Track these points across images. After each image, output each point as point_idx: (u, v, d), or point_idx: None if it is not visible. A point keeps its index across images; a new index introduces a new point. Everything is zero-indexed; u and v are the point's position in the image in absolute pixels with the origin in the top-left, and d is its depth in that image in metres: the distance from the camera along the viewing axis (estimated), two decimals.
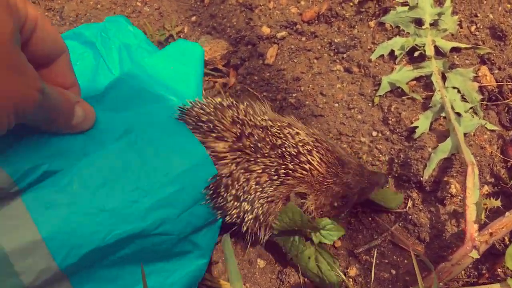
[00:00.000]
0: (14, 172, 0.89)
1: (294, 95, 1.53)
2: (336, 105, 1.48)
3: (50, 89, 0.83)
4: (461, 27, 1.45)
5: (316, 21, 1.61)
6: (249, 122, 1.13)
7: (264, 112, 1.20)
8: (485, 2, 1.48)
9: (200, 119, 1.12)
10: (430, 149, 1.24)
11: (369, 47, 1.51)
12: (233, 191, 1.09)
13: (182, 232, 1.09)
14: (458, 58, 1.38)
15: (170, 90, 1.20)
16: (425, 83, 1.40)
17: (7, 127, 0.76)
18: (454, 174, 1.21)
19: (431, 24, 1.42)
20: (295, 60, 1.57)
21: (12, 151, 0.91)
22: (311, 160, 1.11)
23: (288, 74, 1.55)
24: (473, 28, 1.44)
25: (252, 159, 1.09)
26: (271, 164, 1.10)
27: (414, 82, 1.41)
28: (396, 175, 1.30)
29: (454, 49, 1.41)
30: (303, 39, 1.60)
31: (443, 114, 1.31)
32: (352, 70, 1.50)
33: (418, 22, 1.44)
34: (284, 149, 1.10)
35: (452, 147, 1.18)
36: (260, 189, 1.10)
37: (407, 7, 1.46)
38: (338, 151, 1.18)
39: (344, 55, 1.53)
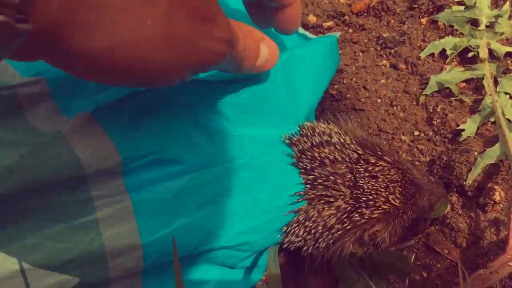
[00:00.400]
0: (124, 151, 0.89)
1: (335, 86, 1.49)
2: (379, 100, 1.43)
3: (237, 31, 0.75)
4: None
5: (365, 14, 1.57)
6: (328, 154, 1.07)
7: (350, 132, 1.15)
8: None
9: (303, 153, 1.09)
10: (476, 153, 1.19)
11: (418, 45, 1.46)
12: (301, 232, 1.07)
13: (255, 251, 1.11)
14: None
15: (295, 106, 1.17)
16: (476, 86, 1.34)
17: (187, 78, 0.70)
18: (500, 181, 1.16)
19: (487, 26, 1.36)
20: (340, 51, 1.53)
21: (129, 131, 0.90)
22: (391, 200, 1.05)
23: None
24: None
25: (326, 205, 1.04)
26: (344, 207, 1.04)
27: (464, 84, 1.36)
28: (436, 177, 1.25)
29: (509, 54, 1.35)
30: (350, 30, 1.56)
31: (491, 119, 1.26)
32: (399, 67, 1.46)
33: (474, 23, 1.38)
34: (362, 191, 1.03)
35: (501, 153, 1.13)
36: (326, 232, 1.06)
37: (463, 6, 1.40)
38: (411, 170, 1.11)
39: (392, 51, 1.48)
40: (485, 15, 1.36)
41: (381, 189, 1.04)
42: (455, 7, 1.41)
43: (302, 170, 1.07)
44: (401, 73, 1.45)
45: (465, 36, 1.37)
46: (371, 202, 1.04)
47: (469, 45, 1.34)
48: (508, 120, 1.21)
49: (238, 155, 1.01)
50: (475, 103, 1.32)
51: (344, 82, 1.48)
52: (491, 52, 1.35)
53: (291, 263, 1.26)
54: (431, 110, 1.36)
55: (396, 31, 1.52)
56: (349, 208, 1.04)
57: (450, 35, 1.42)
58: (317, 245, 1.08)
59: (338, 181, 1.04)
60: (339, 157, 1.06)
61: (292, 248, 1.12)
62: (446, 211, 1.20)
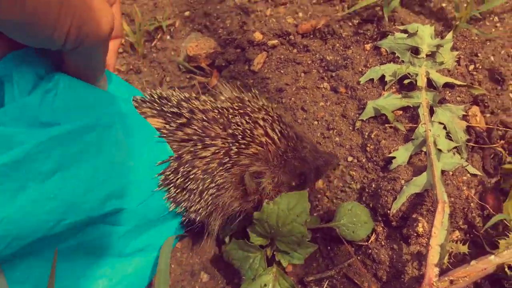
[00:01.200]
0: None
1: (274, 105, 1.43)
2: (316, 122, 1.38)
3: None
4: (459, 64, 1.37)
5: (311, 35, 1.53)
6: (199, 107, 1.07)
7: (225, 94, 1.15)
8: (488, 43, 1.41)
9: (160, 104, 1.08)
10: (403, 182, 1.14)
11: (360, 70, 1.43)
12: (178, 180, 1.01)
13: (136, 224, 1.01)
14: (450, 94, 1.30)
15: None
16: (412, 114, 1.31)
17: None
18: (424, 213, 1.10)
19: (427, 55, 1.34)
20: (282, 71, 1.49)
21: None
22: (270, 133, 1.04)
23: (272, 84, 1.47)
24: (471, 67, 1.36)
25: (200, 145, 1.02)
26: (222, 145, 1.02)
27: (400, 112, 1.32)
28: (364, 205, 1.19)
29: (448, 85, 1.32)
30: (295, 51, 1.52)
31: (424, 149, 1.21)
32: (339, 90, 1.42)
33: (415, 51, 1.36)
34: (236, 126, 1.03)
35: (427, 183, 1.08)
36: (209, 179, 1.02)
37: (406, 34, 1.38)
38: (295, 127, 1.14)
39: (333, 74, 1.44)
40: (426, 43, 1.33)
41: (259, 121, 1.04)
42: (398, 35, 1.38)
43: (168, 124, 1.05)
44: (341, 97, 1.41)
45: (405, 64, 1.34)
46: (248, 132, 1.02)
47: (408, 73, 1.31)
48: (440, 150, 1.17)
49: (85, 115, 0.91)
50: (410, 132, 1.28)
51: (283, 101, 1.43)
52: (430, 81, 1.32)
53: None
54: (366, 136, 1.31)
55: (340, 55, 1.48)
56: (226, 146, 1.02)
57: (391, 62, 1.39)
58: (203, 200, 1.03)
59: (211, 123, 1.03)
60: (209, 107, 1.07)
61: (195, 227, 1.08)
62: (366, 236, 1.14)
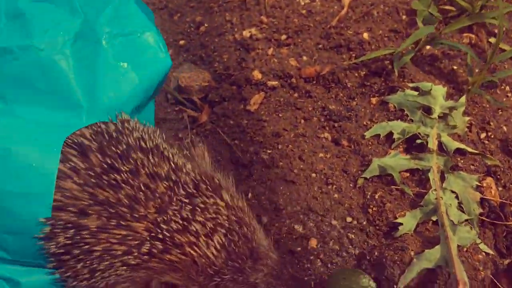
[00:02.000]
0: None
1: (269, 151, 1.30)
2: (313, 175, 1.25)
3: None
4: (470, 131, 1.28)
5: (314, 81, 1.43)
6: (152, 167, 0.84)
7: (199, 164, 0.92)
8: (500, 112, 1.33)
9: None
10: (412, 253, 1.01)
11: (365, 123, 1.32)
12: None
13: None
14: (462, 162, 1.20)
15: None
16: (420, 178, 1.20)
17: None
18: None
19: (439, 117, 1.25)
20: (280, 115, 1.37)
21: None
22: (202, 245, 0.79)
23: (268, 127, 1.34)
24: (483, 135, 1.28)
25: (114, 220, 0.79)
26: (141, 232, 0.79)
27: (407, 174, 1.21)
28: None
29: (459, 151, 1.23)
30: (295, 95, 1.41)
31: (433, 218, 1.09)
32: (341, 143, 1.30)
33: (426, 111, 1.27)
34: (168, 218, 0.79)
35: (441, 258, 0.96)
36: (107, 262, 0.79)
37: (417, 92, 1.29)
38: (259, 239, 0.88)
39: (336, 124, 1.33)
40: (439, 104, 1.25)
41: (195, 225, 0.78)
42: (409, 91, 1.30)
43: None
44: (342, 150, 1.29)
45: (414, 122, 1.24)
46: (174, 234, 0.78)
47: (418, 133, 1.21)
48: (452, 222, 1.05)
49: None
50: (417, 197, 1.16)
51: (279, 147, 1.30)
52: (440, 145, 1.22)
53: None
54: (368, 196, 1.19)
55: (343, 105, 1.38)
56: (143, 237, 0.78)
57: (399, 119, 1.29)
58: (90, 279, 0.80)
59: (148, 194, 0.80)
60: (162, 173, 0.83)
61: None
62: None
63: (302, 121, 1.36)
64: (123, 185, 0.81)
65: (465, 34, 1.50)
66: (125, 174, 0.82)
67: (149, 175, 0.83)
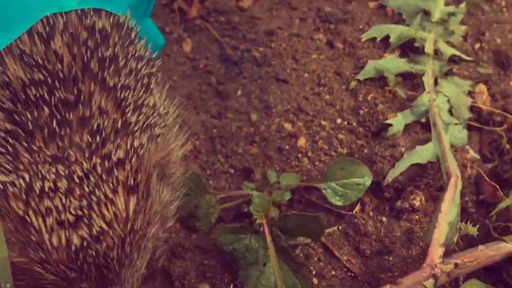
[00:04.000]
0: None
1: (261, 49, 1.26)
2: (306, 75, 1.23)
3: None
4: (465, 41, 1.27)
5: None
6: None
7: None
8: (495, 25, 1.32)
9: None
10: (403, 149, 1.02)
11: (361, 27, 1.29)
12: None
13: None
14: (457, 67, 1.19)
15: None
16: (412, 83, 1.19)
17: None
18: (423, 186, 0.99)
19: (437, 22, 1.22)
20: (275, 13, 1.32)
21: None
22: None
23: (262, 25, 1.29)
24: (477, 45, 1.27)
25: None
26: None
27: (401, 79, 1.20)
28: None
29: (453, 59, 1.22)
30: None
31: (423, 120, 1.10)
32: (335, 45, 1.27)
33: (425, 15, 1.24)
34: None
35: (432, 154, 0.97)
36: None
37: None
38: None
39: (331, 26, 1.29)
40: (439, 9, 1.22)
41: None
42: None
43: None
44: (337, 52, 1.26)
45: (412, 26, 1.21)
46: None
47: (416, 36, 1.19)
48: (444, 121, 1.05)
49: None
50: (409, 100, 1.16)
51: (272, 46, 1.26)
52: (435, 51, 1.20)
53: None
54: (360, 99, 1.18)
55: (339, 9, 1.33)
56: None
57: (397, 24, 1.26)
58: None
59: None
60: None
61: None
62: (357, 199, 1.00)
63: (297, 21, 1.31)
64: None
65: None
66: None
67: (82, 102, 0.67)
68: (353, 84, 1.20)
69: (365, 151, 1.08)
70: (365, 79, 1.19)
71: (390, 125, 1.10)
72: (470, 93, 1.14)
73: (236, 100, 1.22)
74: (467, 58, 1.20)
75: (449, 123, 1.03)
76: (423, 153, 0.98)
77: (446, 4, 1.28)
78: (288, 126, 1.18)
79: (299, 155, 1.15)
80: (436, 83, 1.15)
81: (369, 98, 1.16)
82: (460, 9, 1.23)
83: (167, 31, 1.33)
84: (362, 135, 1.14)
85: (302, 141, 1.16)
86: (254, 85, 1.23)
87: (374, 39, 1.25)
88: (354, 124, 1.16)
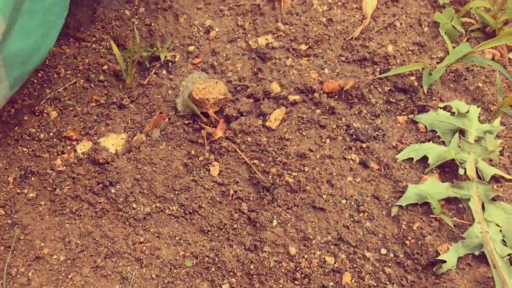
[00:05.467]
0: None
1: (294, 174, 1.21)
2: (344, 202, 1.17)
3: None
4: (502, 155, 1.23)
5: (337, 96, 1.34)
6: None
7: None
8: None
9: None
10: None
11: (394, 144, 1.25)
12: None
13: None
14: (502, 191, 1.15)
15: None
16: (457, 207, 1.14)
17: None
18: None
19: (474, 141, 1.19)
20: (304, 133, 1.27)
21: None
22: None
23: (291, 147, 1.25)
24: None
25: None
26: None
27: (443, 202, 1.15)
28: None
29: (493, 178, 1.18)
30: (318, 111, 1.31)
31: (476, 252, 1.04)
32: (370, 165, 1.22)
33: (460, 133, 1.21)
34: None
35: None
36: None
37: (450, 112, 1.23)
38: None
39: (363, 145, 1.25)
40: (474, 127, 1.19)
41: None
42: (442, 112, 1.23)
43: None
44: (372, 173, 1.21)
45: (450, 146, 1.18)
46: None
47: (456, 158, 1.15)
48: (504, 261, 0.99)
49: None
50: (456, 227, 1.10)
51: (305, 170, 1.21)
52: (476, 171, 1.16)
53: None
54: (404, 227, 1.12)
55: (368, 123, 1.30)
56: None
57: (430, 141, 1.23)
58: None
59: None
60: None
61: None
62: None
63: (327, 140, 1.27)
64: None
65: (487, 50, 1.45)
66: None
67: None
68: (394, 210, 1.14)
69: None
70: (407, 205, 1.13)
71: (444, 261, 1.03)
72: None
73: (271, 231, 1.15)
74: (508, 177, 1.16)
75: (511, 268, 0.97)
76: None
77: (479, 118, 1.25)
78: (330, 259, 1.11)
79: None
80: (482, 207, 1.10)
81: (414, 227, 1.10)
82: (495, 126, 1.20)
83: (192, 154, 1.28)
84: (412, 268, 1.07)
85: (347, 277, 1.09)
86: (290, 214, 1.17)
87: (410, 159, 1.21)
88: (401, 255, 1.09)
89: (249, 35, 1.45)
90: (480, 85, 1.37)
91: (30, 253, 1.15)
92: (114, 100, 1.40)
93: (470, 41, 1.46)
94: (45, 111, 1.37)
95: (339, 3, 1.48)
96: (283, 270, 1.11)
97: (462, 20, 1.47)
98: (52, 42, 1.20)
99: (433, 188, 1.12)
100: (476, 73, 1.40)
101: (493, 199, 1.11)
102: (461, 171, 1.13)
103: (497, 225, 1.05)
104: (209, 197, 1.22)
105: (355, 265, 1.10)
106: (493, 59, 1.44)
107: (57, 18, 1.17)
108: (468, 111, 1.20)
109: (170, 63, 1.43)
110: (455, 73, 1.39)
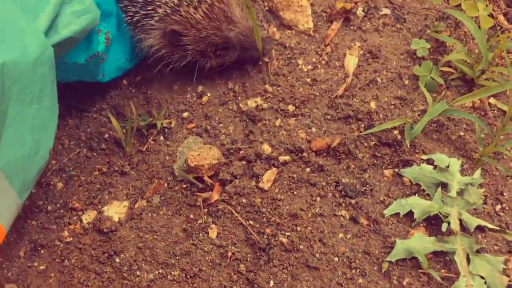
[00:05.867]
0: None
1: (287, 234, 1.27)
2: (336, 259, 1.23)
3: None
4: (485, 203, 1.29)
5: (325, 154, 1.41)
6: None
7: None
8: (510, 180, 1.35)
9: None
10: None
11: (382, 199, 1.31)
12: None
13: None
14: (486, 242, 1.20)
15: None
16: (444, 260, 1.19)
17: None
18: None
19: (457, 193, 1.25)
20: (295, 192, 1.34)
21: None
22: (191, 11, 1.36)
23: (284, 207, 1.32)
24: (498, 207, 1.29)
25: None
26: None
27: (430, 255, 1.21)
28: None
29: (478, 228, 1.23)
30: (307, 170, 1.39)
31: None
32: (359, 221, 1.29)
33: (443, 186, 1.27)
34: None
35: None
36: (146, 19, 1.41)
37: (432, 166, 1.30)
38: (233, 10, 1.41)
39: (352, 201, 1.32)
40: (456, 180, 1.25)
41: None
42: (424, 166, 1.30)
43: None
44: (362, 229, 1.28)
45: (434, 201, 1.24)
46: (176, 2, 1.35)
47: (439, 212, 1.21)
48: None
49: None
50: (444, 280, 1.16)
51: (298, 230, 1.28)
52: (461, 223, 1.22)
53: None
54: (395, 282, 1.18)
55: (356, 178, 1.37)
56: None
57: (416, 194, 1.29)
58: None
59: None
60: None
61: None
62: None
63: (318, 198, 1.33)
64: None
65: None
66: None
67: None
68: (384, 266, 1.20)
69: None
70: (396, 260, 1.19)
71: None
72: (504, 270, 1.14)
73: None
74: (493, 227, 1.21)
75: None
76: None
77: (461, 166, 1.32)
78: None
79: None
80: (468, 259, 1.15)
81: (404, 283, 1.16)
82: (476, 178, 1.26)
83: (191, 218, 1.35)
84: None
85: None
86: (285, 273, 1.23)
87: (397, 213, 1.27)
88: None
89: (239, 97, 1.54)
90: (462, 133, 1.44)
91: None
92: (116, 168, 1.48)
93: (451, 89, 1.53)
94: (51, 182, 1.46)
95: (323, 62, 1.57)
96: None
97: (442, 69, 1.55)
98: (49, 144, 1.22)
99: (420, 243, 1.18)
100: (457, 122, 1.47)
101: (478, 251, 1.17)
102: (444, 227, 1.18)
103: (482, 277, 1.11)
104: (208, 260, 1.28)
105: None
106: (473, 106, 1.51)
107: (48, 121, 1.20)
108: (448, 165, 1.26)
109: (166, 129, 1.52)
110: (437, 123, 1.46)
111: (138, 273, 1.27)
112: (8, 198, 1.11)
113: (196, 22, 1.37)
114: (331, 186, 1.36)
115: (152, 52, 1.46)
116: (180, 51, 1.44)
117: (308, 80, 1.53)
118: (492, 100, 1.53)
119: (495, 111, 1.51)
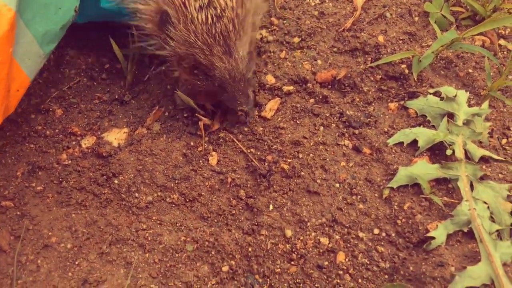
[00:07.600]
0: None
1: (289, 160, 1.25)
2: (337, 185, 1.21)
3: None
4: (491, 137, 1.27)
5: (330, 86, 1.39)
6: None
7: None
8: None
9: None
10: (452, 269, 0.99)
11: (386, 130, 1.29)
12: None
13: None
14: (490, 170, 1.18)
15: None
16: (447, 188, 1.17)
17: None
18: None
19: (464, 124, 1.23)
20: (298, 122, 1.32)
21: None
22: (193, 6, 1.13)
23: (286, 135, 1.29)
24: (504, 141, 1.27)
25: None
26: None
27: (433, 183, 1.19)
28: None
29: (483, 159, 1.21)
30: (311, 100, 1.36)
31: (464, 229, 1.07)
32: (362, 150, 1.26)
33: (449, 117, 1.24)
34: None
35: (485, 276, 0.93)
36: None
37: (439, 97, 1.27)
38: (240, 35, 1.16)
39: (356, 131, 1.29)
40: (463, 110, 1.22)
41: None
42: (431, 97, 1.27)
43: None
44: (364, 158, 1.26)
45: (439, 129, 1.22)
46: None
47: (445, 140, 1.18)
48: (490, 236, 1.03)
49: None
50: (446, 207, 1.14)
51: (300, 157, 1.26)
52: (465, 153, 1.20)
53: None
54: (395, 207, 1.16)
55: (361, 111, 1.34)
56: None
57: (421, 126, 1.26)
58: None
59: None
60: None
61: None
62: None
63: (321, 128, 1.31)
64: None
65: (477, 37, 1.49)
66: None
67: None
68: (386, 192, 1.18)
69: (411, 268, 1.05)
70: (398, 186, 1.17)
71: (433, 237, 1.07)
72: (508, 197, 1.12)
73: (268, 215, 1.20)
74: (498, 158, 1.19)
75: (491, 234, 1.01)
76: (475, 275, 0.95)
77: (468, 102, 1.29)
78: (325, 240, 1.15)
79: (340, 272, 1.11)
80: (471, 186, 1.14)
81: (405, 207, 1.14)
82: (484, 109, 1.24)
83: (191, 145, 1.33)
84: (403, 246, 1.11)
85: (341, 257, 1.13)
86: (285, 198, 1.22)
87: (401, 143, 1.25)
88: (393, 234, 1.13)
89: None
90: (470, 71, 1.41)
91: (39, 242, 1.21)
92: (116, 97, 1.45)
93: (460, 28, 1.49)
94: (50, 109, 1.43)
95: None
96: (279, 252, 1.15)
97: (452, 9, 1.51)
98: (74, 1, 1.22)
99: (423, 169, 1.16)
100: (466, 60, 1.44)
101: (481, 178, 1.15)
102: (448, 152, 1.16)
103: (485, 202, 1.09)
104: (208, 185, 1.27)
105: (348, 245, 1.14)
106: (483, 45, 1.47)
107: None
108: (456, 95, 1.23)
109: None
110: (445, 60, 1.43)
111: (136, 194, 1.26)
112: (27, 42, 1.12)
113: (191, 20, 1.13)
114: (334, 117, 1.33)
115: (133, 18, 1.26)
116: (163, 38, 1.20)
117: (316, 13, 1.49)
118: (502, 42, 1.50)
119: (505, 52, 1.48)
